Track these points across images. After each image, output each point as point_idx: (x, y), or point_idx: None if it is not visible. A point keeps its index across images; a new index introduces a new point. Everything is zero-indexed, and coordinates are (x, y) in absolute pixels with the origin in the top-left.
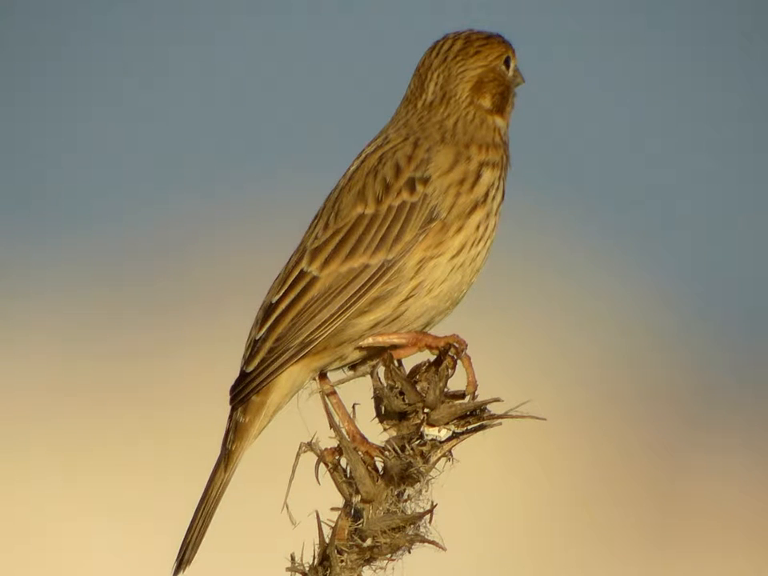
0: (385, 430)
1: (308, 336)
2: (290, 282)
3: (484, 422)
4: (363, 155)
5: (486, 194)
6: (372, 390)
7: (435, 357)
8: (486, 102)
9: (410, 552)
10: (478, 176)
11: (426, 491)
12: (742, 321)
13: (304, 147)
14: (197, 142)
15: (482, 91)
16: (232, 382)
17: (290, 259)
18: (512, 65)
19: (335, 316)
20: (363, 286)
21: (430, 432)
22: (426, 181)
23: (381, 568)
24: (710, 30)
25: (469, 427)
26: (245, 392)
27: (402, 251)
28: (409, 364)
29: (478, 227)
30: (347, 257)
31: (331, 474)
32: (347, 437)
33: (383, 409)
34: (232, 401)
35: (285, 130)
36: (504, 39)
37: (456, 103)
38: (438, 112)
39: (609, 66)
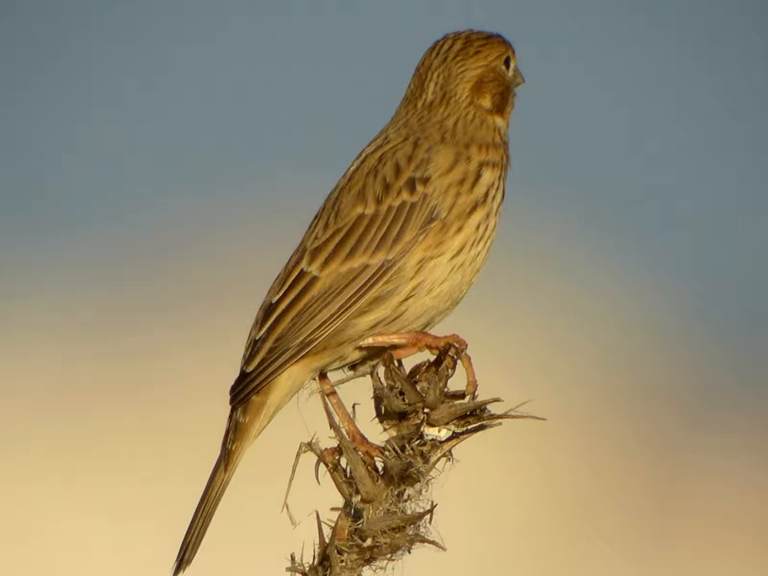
0: (385, 430)
1: (308, 336)
2: (289, 281)
3: (484, 422)
4: (363, 155)
5: (486, 194)
6: (372, 389)
7: (435, 357)
8: (486, 102)
9: (409, 552)
10: (478, 176)
11: (425, 491)
12: (742, 321)
13: (304, 147)
14: (197, 141)
15: (481, 91)
16: (232, 382)
17: (290, 259)
18: (512, 65)
19: (335, 316)
20: (363, 286)
21: (430, 432)
22: (426, 181)
23: (381, 568)
24: (710, 29)
25: (469, 427)
26: (245, 392)
27: (402, 251)
28: (409, 364)
29: (478, 227)
30: (347, 257)
31: (331, 474)
32: (347, 437)
33: (383, 409)
34: (232, 401)
35: (285, 129)
36: (504, 39)
37: (456, 103)
38: (438, 112)
39: (609, 66)
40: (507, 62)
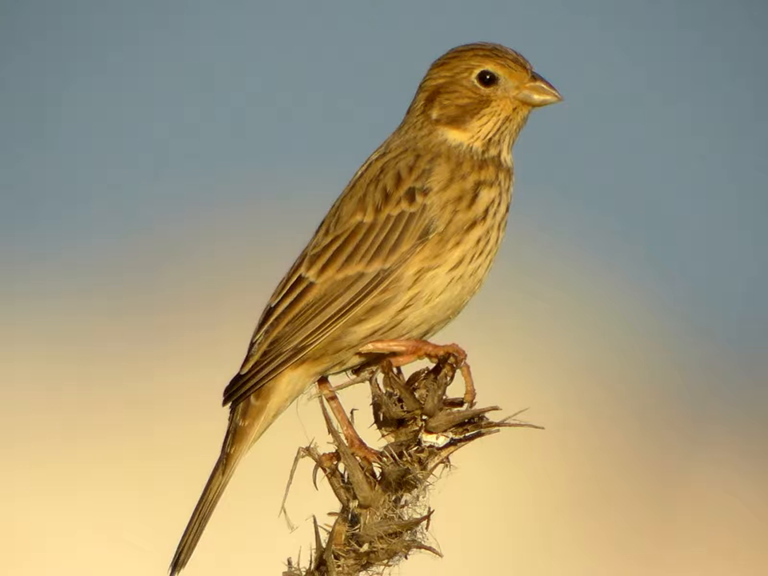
0: (383, 436)
1: (301, 341)
2: (288, 286)
3: (481, 430)
4: (368, 162)
5: (486, 211)
6: (371, 396)
7: (434, 365)
8: (434, 113)
9: (406, 558)
10: (476, 194)
11: (423, 497)
12: (742, 321)
13: (304, 147)
14: (196, 141)
15: (434, 102)
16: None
17: (293, 264)
18: (501, 82)
19: (329, 323)
20: (359, 294)
21: (428, 439)
22: (426, 192)
23: (377, 573)
24: (708, 32)
25: (466, 435)
26: (237, 394)
27: (399, 261)
28: (408, 372)
29: (478, 242)
30: (344, 264)
31: (329, 479)
32: (345, 442)
33: (382, 416)
34: (225, 402)
35: (285, 129)
36: (493, 53)
37: (412, 112)
38: (407, 123)
39: (609, 67)
40: (483, 77)
